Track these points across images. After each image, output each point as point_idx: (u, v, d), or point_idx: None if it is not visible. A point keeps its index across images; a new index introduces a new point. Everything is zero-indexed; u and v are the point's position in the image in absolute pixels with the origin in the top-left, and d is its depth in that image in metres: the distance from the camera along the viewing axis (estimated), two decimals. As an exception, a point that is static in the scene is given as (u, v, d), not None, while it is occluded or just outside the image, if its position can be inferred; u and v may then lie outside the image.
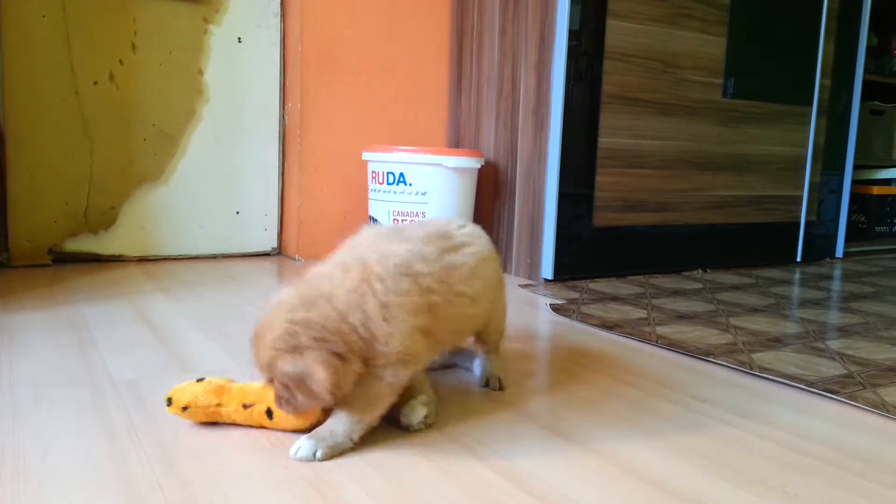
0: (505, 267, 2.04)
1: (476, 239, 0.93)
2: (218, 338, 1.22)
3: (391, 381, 0.78)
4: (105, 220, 1.94)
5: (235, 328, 1.29)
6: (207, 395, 0.82)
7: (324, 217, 2.14)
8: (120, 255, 1.97)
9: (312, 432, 0.78)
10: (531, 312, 1.56)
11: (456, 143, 2.28)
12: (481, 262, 0.90)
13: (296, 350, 0.73)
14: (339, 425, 0.78)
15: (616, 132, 1.97)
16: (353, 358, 0.75)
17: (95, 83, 1.90)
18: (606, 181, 1.98)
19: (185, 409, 0.82)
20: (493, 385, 1.02)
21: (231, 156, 2.10)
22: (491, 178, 2.10)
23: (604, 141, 1.95)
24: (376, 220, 1.98)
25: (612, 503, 0.70)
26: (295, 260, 2.11)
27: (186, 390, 0.83)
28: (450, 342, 0.96)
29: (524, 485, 0.73)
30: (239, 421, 0.83)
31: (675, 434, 0.89)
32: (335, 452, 0.77)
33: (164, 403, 0.85)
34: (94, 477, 0.71)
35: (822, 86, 2.43)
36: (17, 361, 1.07)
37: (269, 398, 0.81)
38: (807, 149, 2.44)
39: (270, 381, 0.77)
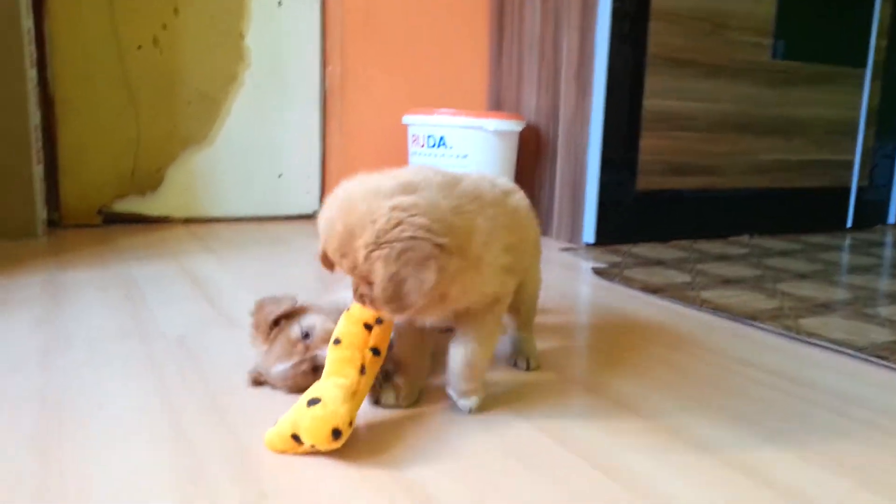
0: (546, 230, 2.03)
1: (516, 192, 0.89)
2: (263, 294, 1.24)
3: (494, 315, 0.79)
4: (152, 182, 1.98)
5: (279, 285, 1.30)
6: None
7: (365, 180, 2.15)
8: (166, 216, 2.01)
9: (459, 391, 0.79)
10: (573, 275, 1.55)
11: (496, 106, 2.25)
12: (531, 212, 0.90)
13: (405, 250, 0.64)
14: (467, 367, 0.78)
15: (661, 94, 1.93)
16: (458, 255, 0.69)
17: (140, 47, 1.92)
18: (650, 144, 1.94)
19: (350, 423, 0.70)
20: (520, 365, 0.96)
21: (273, 119, 2.11)
22: (532, 141, 2.07)
23: (649, 103, 1.91)
24: (417, 184, 1.98)
25: (659, 461, 0.70)
26: (336, 223, 2.12)
27: (324, 419, 0.68)
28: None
29: (572, 446, 0.74)
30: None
31: (717, 398, 0.88)
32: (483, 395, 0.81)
33: (333, 440, 0.67)
34: (148, 426, 0.73)
35: (877, 47, 2.34)
36: (72, 317, 1.10)
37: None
38: (859, 112, 2.36)
39: (360, 277, 0.68)
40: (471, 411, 0.79)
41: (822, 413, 0.84)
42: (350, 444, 0.70)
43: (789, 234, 2.21)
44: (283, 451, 0.69)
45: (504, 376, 0.92)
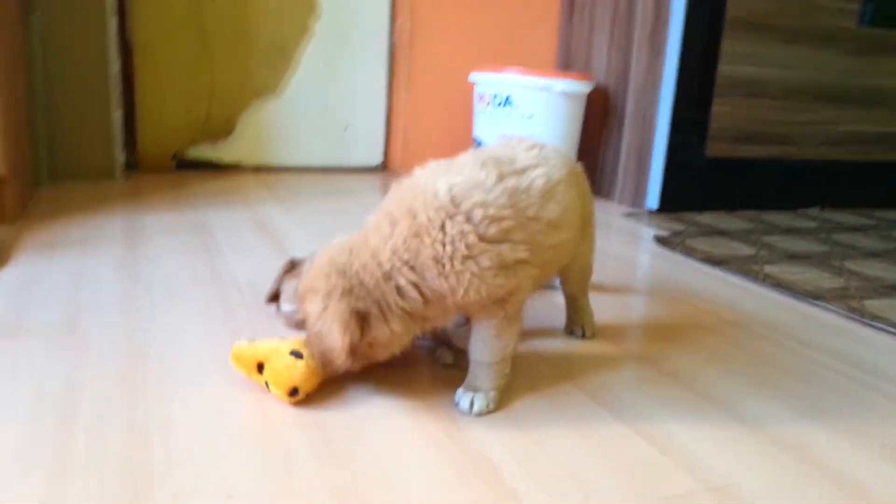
0: (609, 194, 2.02)
1: (547, 160, 0.79)
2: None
3: (502, 315, 0.72)
4: (224, 130, 2.03)
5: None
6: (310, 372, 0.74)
7: (428, 135, 2.16)
8: (237, 164, 2.06)
9: (466, 384, 0.75)
10: (634, 243, 1.55)
11: (565, 66, 2.22)
12: (556, 186, 0.77)
13: (325, 294, 0.68)
14: (486, 369, 0.74)
15: (737, 59, 1.88)
16: (393, 318, 0.69)
17: (216, -4, 1.95)
18: (723, 111, 1.90)
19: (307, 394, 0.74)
20: (577, 333, 0.96)
21: (341, 72, 2.13)
22: (600, 103, 2.05)
23: (724, 69, 1.86)
24: (481, 143, 1.99)
25: (724, 445, 0.72)
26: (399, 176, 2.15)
27: (295, 374, 0.72)
28: (543, 272, 0.81)
29: (622, 416, 0.75)
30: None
31: (773, 376, 0.89)
32: (500, 395, 0.75)
33: (288, 395, 0.72)
34: (221, 369, 0.78)
35: (975, 14, 2.21)
36: (149, 261, 1.16)
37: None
38: (949, 84, 2.24)
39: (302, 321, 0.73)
40: (471, 412, 0.73)
41: (879, 399, 0.84)
42: (412, 404, 0.74)
43: (863, 209, 2.14)
44: (237, 367, 0.75)
45: (560, 344, 0.94)
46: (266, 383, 0.73)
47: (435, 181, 0.71)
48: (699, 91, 1.86)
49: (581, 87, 1.91)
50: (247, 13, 1.99)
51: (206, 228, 1.38)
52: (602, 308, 1.08)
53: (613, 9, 2.00)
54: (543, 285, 1.09)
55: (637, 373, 0.86)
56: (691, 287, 1.24)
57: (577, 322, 0.97)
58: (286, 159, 2.12)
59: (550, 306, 1.07)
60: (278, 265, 1.04)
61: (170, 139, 1.98)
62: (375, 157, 2.23)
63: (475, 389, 0.74)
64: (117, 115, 1.76)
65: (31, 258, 1.13)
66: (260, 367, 0.74)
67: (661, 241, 1.55)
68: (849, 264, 1.45)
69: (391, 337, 0.70)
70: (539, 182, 0.76)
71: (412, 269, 0.68)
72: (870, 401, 0.83)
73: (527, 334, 0.96)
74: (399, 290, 0.69)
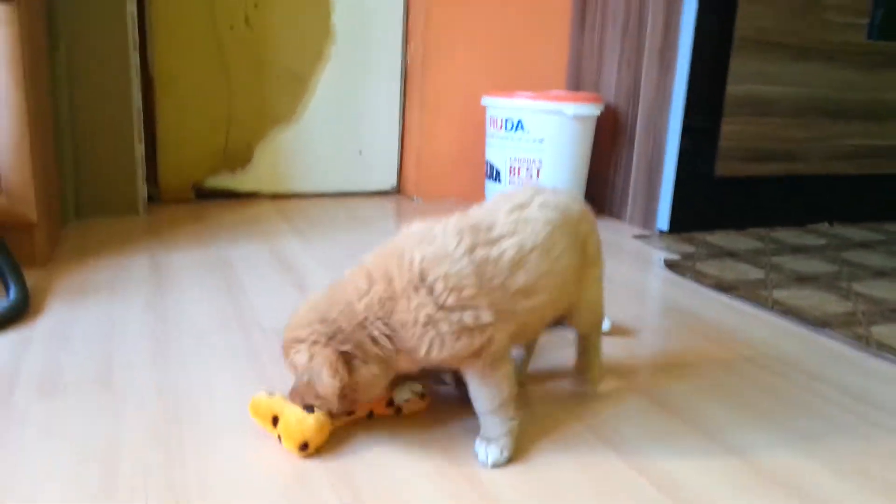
0: (619, 215, 2.05)
1: (526, 225, 0.82)
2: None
3: (481, 364, 0.77)
4: (242, 159, 2.08)
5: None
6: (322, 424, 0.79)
7: (442, 157, 2.20)
8: (255, 192, 2.11)
9: (482, 435, 0.79)
10: (644, 268, 1.58)
11: (576, 83, 2.25)
12: (529, 254, 0.80)
13: (311, 343, 0.75)
14: (494, 419, 0.79)
15: (746, 78, 1.90)
16: (372, 362, 0.75)
17: (232, 27, 2.00)
18: (733, 130, 1.92)
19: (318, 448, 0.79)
20: (581, 382, 0.97)
21: (355, 96, 2.17)
22: (610, 121, 2.08)
23: (733, 88, 1.89)
24: (493, 166, 2.02)
25: (708, 475, 0.75)
26: (413, 200, 2.19)
27: (306, 428, 0.77)
28: (523, 334, 0.86)
29: (629, 459, 0.79)
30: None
31: (778, 413, 0.92)
32: (513, 442, 0.79)
33: (299, 449, 0.76)
34: (250, 421, 0.82)
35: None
36: (178, 304, 1.21)
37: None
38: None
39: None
40: (492, 464, 0.77)
41: (884, 435, 0.87)
42: (420, 440, 0.78)
43: (872, 223, 2.16)
44: (255, 418, 0.80)
45: (569, 384, 0.98)
46: (279, 437, 0.77)
47: (412, 250, 0.77)
48: (709, 110, 1.89)
49: (591, 110, 1.95)
50: (265, 41, 2.04)
51: (229, 265, 1.43)
52: (612, 341, 1.11)
53: (623, 28, 2.03)
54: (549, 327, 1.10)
55: (638, 405, 0.89)
56: (701, 316, 1.27)
57: (585, 364, 0.97)
58: (302, 186, 2.17)
59: (562, 342, 1.10)
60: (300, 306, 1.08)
61: (190, 170, 2.03)
62: (388, 181, 2.27)
63: (488, 440, 0.79)
64: (139, 150, 1.82)
65: (62, 305, 1.18)
66: (275, 420, 0.78)
67: (670, 265, 1.58)
68: (856, 286, 1.48)
69: (371, 379, 0.76)
70: (509, 253, 0.79)
71: (386, 324, 0.75)
72: (874, 437, 0.86)
73: (538, 372, 0.99)
74: (373, 339, 0.75)
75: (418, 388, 0.87)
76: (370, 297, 0.76)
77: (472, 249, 0.78)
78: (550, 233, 0.83)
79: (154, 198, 2.00)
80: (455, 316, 0.74)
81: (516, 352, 0.95)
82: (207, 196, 2.07)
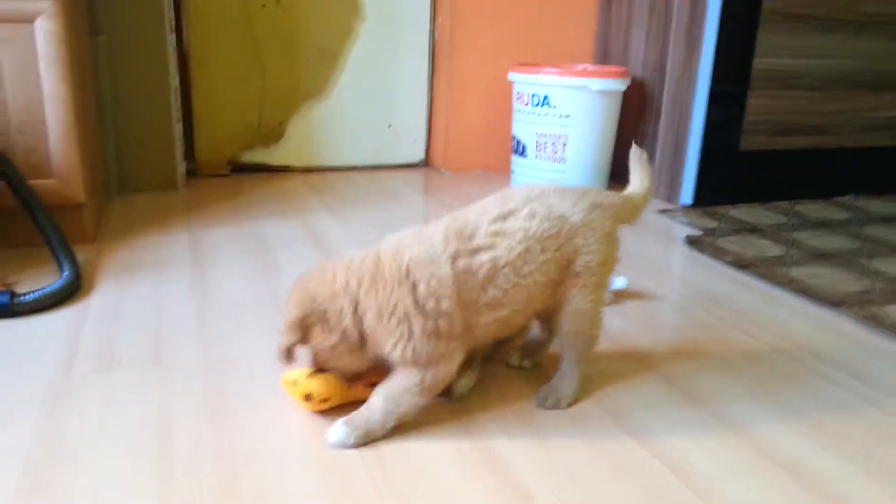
0: (644, 188, 2.07)
1: (504, 237, 0.83)
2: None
3: (418, 381, 0.80)
4: (274, 134, 2.15)
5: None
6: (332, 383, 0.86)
7: (469, 131, 2.24)
8: (287, 166, 2.18)
9: (348, 418, 0.81)
10: (665, 244, 1.61)
11: (603, 57, 2.27)
12: (502, 269, 0.82)
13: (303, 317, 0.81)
14: (373, 413, 0.81)
15: (774, 51, 1.90)
16: (334, 333, 0.80)
17: (264, 6, 2.05)
18: (759, 103, 1.93)
19: (324, 400, 0.86)
20: (544, 404, 0.91)
21: (384, 71, 2.21)
22: (636, 96, 2.09)
23: (760, 61, 1.89)
24: (520, 141, 2.06)
25: (720, 458, 0.81)
26: (441, 173, 2.24)
27: (310, 383, 0.85)
28: (486, 339, 0.89)
29: (647, 443, 0.85)
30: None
31: (788, 396, 0.97)
32: (368, 440, 0.81)
33: (304, 400, 0.85)
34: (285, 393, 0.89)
35: None
36: (218, 282, 1.28)
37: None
38: None
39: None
40: (332, 444, 0.80)
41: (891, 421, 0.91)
42: (444, 413, 0.84)
43: (899, 195, 2.16)
44: (285, 389, 0.88)
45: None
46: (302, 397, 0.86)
47: (403, 251, 0.81)
48: (735, 84, 1.90)
49: (618, 85, 1.96)
50: (295, 18, 2.09)
51: (264, 243, 1.50)
52: (625, 315, 1.16)
53: (651, 1, 2.03)
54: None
55: (653, 387, 0.95)
56: (718, 295, 1.31)
57: (554, 391, 0.91)
58: (332, 160, 2.23)
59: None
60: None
61: (225, 145, 2.10)
62: (417, 154, 2.32)
63: (353, 426, 0.81)
64: (177, 128, 1.89)
65: (111, 282, 1.26)
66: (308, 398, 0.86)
67: (691, 242, 1.61)
68: (876, 262, 1.50)
69: (328, 348, 0.81)
70: (483, 269, 0.81)
71: (358, 304, 0.80)
72: (887, 426, 0.91)
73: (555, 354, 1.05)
74: (340, 312, 0.80)
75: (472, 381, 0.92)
76: (354, 274, 0.80)
77: (455, 257, 0.81)
78: (527, 248, 0.82)
79: (191, 172, 2.07)
80: (430, 323, 0.79)
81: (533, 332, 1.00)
82: (242, 170, 2.14)
